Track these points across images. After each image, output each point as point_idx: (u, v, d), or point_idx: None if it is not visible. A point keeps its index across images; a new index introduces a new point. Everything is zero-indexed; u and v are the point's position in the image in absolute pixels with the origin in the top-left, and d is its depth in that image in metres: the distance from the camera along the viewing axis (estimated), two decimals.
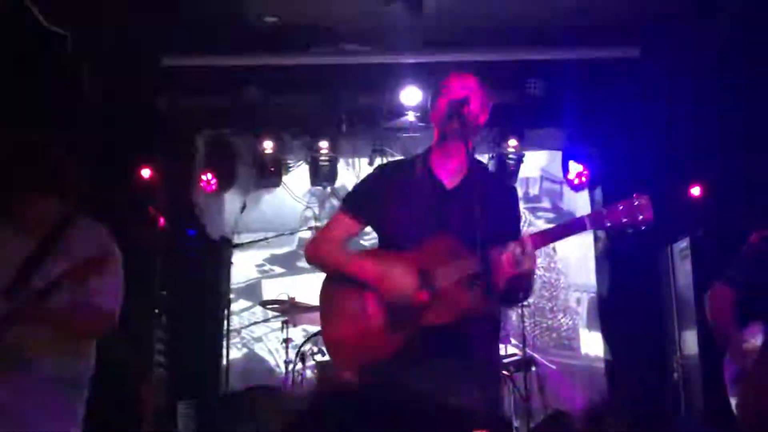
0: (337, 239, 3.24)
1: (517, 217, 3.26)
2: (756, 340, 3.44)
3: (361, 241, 6.85)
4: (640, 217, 2.85)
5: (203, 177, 7.40)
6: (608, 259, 7.74)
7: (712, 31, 6.07)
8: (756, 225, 3.91)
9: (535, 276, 3.01)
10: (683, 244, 6.93)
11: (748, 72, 6.13)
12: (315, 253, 3.30)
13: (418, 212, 3.08)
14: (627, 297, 7.47)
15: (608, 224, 2.88)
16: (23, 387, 2.95)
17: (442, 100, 3.12)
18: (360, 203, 3.27)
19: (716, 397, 6.13)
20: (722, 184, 6.83)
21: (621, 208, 2.87)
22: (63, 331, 3.03)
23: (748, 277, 3.60)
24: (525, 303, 6.95)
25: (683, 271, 6.97)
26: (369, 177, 3.40)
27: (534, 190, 8.09)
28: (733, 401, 3.52)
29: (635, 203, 2.86)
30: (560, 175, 7.85)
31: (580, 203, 7.97)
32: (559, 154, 7.86)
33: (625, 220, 2.86)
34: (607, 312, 7.71)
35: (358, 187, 3.43)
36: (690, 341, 6.84)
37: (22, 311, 2.88)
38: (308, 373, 6.03)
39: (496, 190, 3.21)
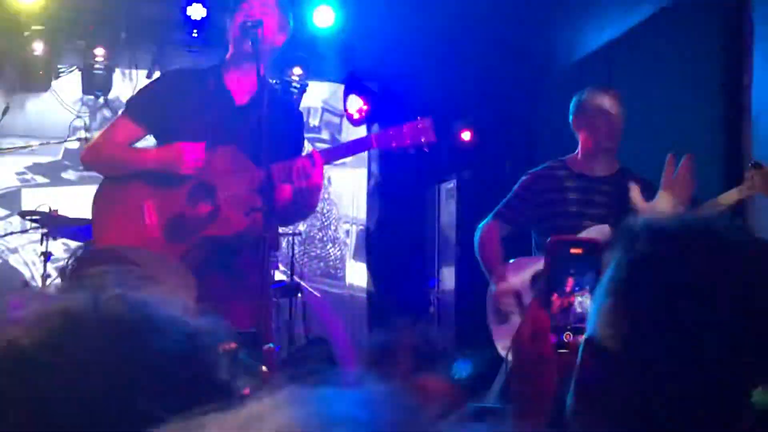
0: (120, 143, 3.13)
1: (301, 140, 3.31)
2: (520, 274, 3.72)
3: None
4: (423, 138, 2.99)
5: None
6: (379, 194, 8.00)
7: None
8: (518, 169, 4.18)
9: (319, 191, 3.06)
10: (450, 184, 7.28)
11: (521, 22, 6.44)
12: (96, 157, 3.16)
13: (204, 125, 3.04)
14: (393, 232, 7.77)
15: (393, 144, 2.99)
16: None
17: (238, 17, 3.06)
18: (144, 109, 3.16)
19: (467, 329, 6.58)
20: (490, 130, 7.21)
21: (405, 129, 2.99)
22: None
23: (515, 214, 3.86)
24: (296, 232, 7.05)
25: (448, 211, 7.34)
26: (155, 82, 3.30)
27: (315, 121, 8.15)
28: (492, 327, 3.77)
29: (419, 125, 2.99)
30: (341, 107, 7.95)
31: (358, 137, 8.13)
32: (340, 87, 7.95)
33: (408, 141, 2.98)
34: (374, 245, 8.00)
35: (142, 92, 3.32)
36: (448, 277, 7.25)
37: None
38: None
39: (284, 113, 3.22)
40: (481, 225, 3.95)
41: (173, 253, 2.89)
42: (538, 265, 3.62)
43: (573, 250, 1.47)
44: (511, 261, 3.82)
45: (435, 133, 3.00)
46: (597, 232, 3.55)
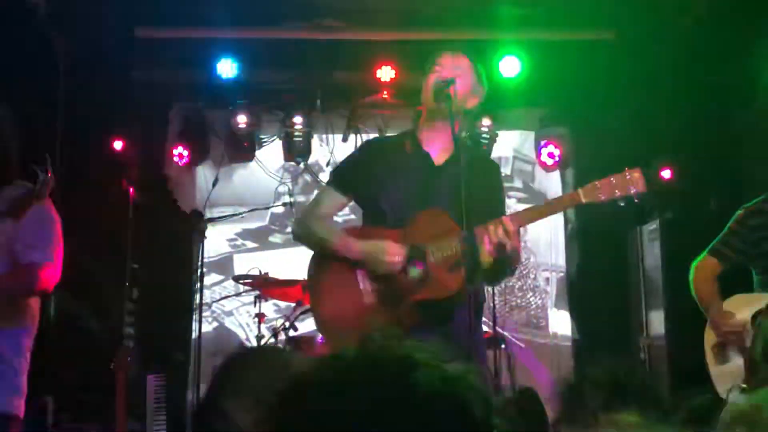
0: (325, 216, 3.25)
1: (503, 193, 3.29)
2: (738, 314, 3.56)
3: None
4: (633, 190, 2.89)
5: (176, 150, 7.36)
6: (578, 240, 7.82)
7: (685, 19, 6.13)
8: (724, 205, 4.00)
9: (519, 252, 3.02)
10: (652, 226, 7.02)
11: (719, 59, 6.20)
12: (303, 230, 3.29)
13: (406, 188, 3.10)
14: (595, 277, 7.56)
15: (602, 197, 2.91)
16: None
17: (431, 77, 3.12)
18: (348, 178, 3.27)
19: (681, 376, 6.26)
20: (691, 167, 6.92)
21: (613, 181, 2.90)
22: None
23: (730, 251, 3.71)
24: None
25: (652, 253, 7.05)
26: (356, 152, 3.41)
27: (506, 170, 8.12)
28: (711, 368, 3.61)
29: (627, 176, 2.90)
30: (532, 155, 7.90)
31: (551, 184, 8.03)
32: (531, 135, 7.90)
33: (618, 192, 2.89)
34: (576, 292, 7.80)
35: (345, 163, 3.44)
36: (656, 322, 6.94)
37: None
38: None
39: (483, 167, 3.23)
40: (695, 263, 3.80)
41: (387, 318, 2.94)
42: (759, 302, 3.44)
43: None
44: (730, 299, 3.64)
45: (645, 182, 2.89)
46: None
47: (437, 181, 3.10)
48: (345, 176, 3.31)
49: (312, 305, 3.20)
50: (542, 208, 3.16)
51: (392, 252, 2.97)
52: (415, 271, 2.97)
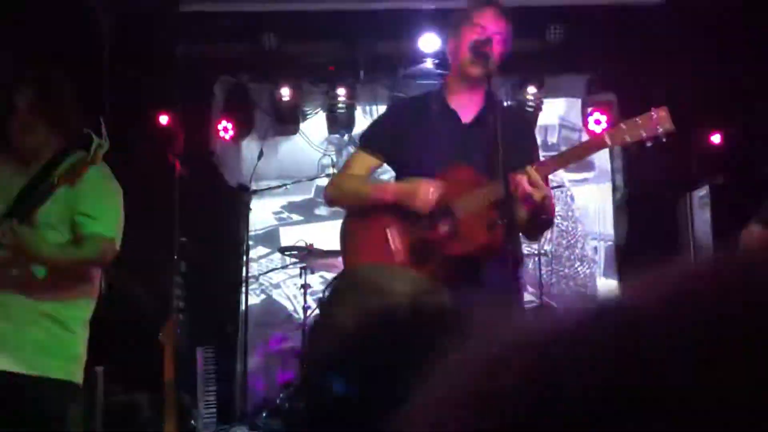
0: (358, 175, 3.23)
1: (535, 147, 3.21)
2: None
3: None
4: (660, 129, 2.79)
5: (221, 124, 7.40)
6: (626, 208, 7.72)
7: None
8: None
9: (552, 203, 2.93)
10: (702, 192, 6.90)
11: None
12: (336, 190, 3.28)
13: (435, 146, 3.06)
14: (645, 245, 7.45)
15: (628, 139, 2.81)
16: (20, 319, 2.93)
17: (467, 35, 3.03)
18: (377, 139, 3.25)
19: None
20: (742, 132, 6.78)
21: (639, 122, 2.81)
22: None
23: None
24: (542, 251, 6.95)
25: (702, 219, 6.94)
26: (384, 114, 3.39)
27: (552, 139, 8.03)
28: None
29: (653, 116, 2.80)
30: (579, 123, 7.79)
31: (598, 152, 7.92)
32: (578, 102, 7.79)
33: (644, 133, 2.79)
34: (625, 260, 7.71)
35: (373, 124, 3.43)
36: None
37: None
38: None
39: (513, 122, 3.15)
40: (743, 230, 3.71)
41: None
42: None
43: None
44: None
45: (673, 122, 2.79)
46: None
47: (466, 138, 3.05)
48: (373, 137, 3.29)
49: (344, 267, 3.20)
50: (567, 153, 3.09)
51: (424, 191, 2.93)
52: (443, 226, 2.94)
